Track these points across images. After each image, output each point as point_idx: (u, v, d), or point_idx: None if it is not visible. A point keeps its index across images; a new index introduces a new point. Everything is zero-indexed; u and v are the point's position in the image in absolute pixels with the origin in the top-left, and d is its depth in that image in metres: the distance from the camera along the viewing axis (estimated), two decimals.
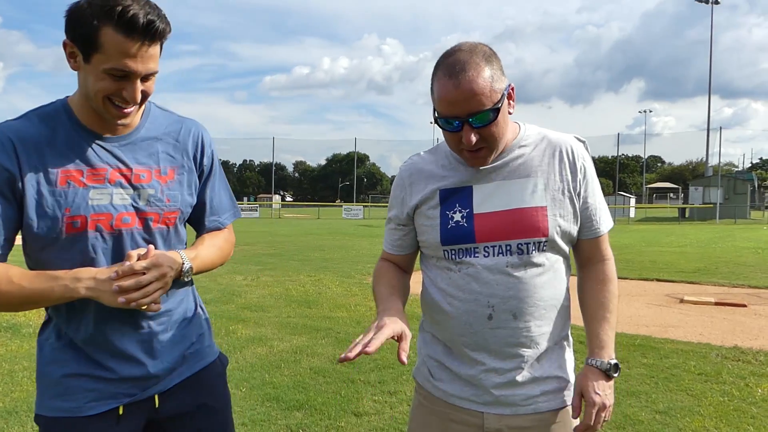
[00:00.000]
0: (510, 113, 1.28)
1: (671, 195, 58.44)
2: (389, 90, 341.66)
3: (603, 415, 1.32)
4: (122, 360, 1.28)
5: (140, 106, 1.25)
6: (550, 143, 1.34)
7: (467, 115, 1.20)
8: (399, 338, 1.18)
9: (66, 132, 1.23)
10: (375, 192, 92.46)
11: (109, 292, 1.16)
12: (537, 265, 1.29)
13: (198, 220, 1.45)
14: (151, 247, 1.23)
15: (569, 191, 1.31)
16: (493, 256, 1.29)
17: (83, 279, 1.17)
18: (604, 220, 1.38)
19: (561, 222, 1.30)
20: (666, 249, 14.15)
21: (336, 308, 6.60)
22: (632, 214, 39.70)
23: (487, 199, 1.31)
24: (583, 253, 1.41)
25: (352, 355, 1.08)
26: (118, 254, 1.24)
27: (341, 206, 42.93)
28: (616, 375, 1.33)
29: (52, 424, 1.28)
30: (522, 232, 1.28)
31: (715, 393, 3.84)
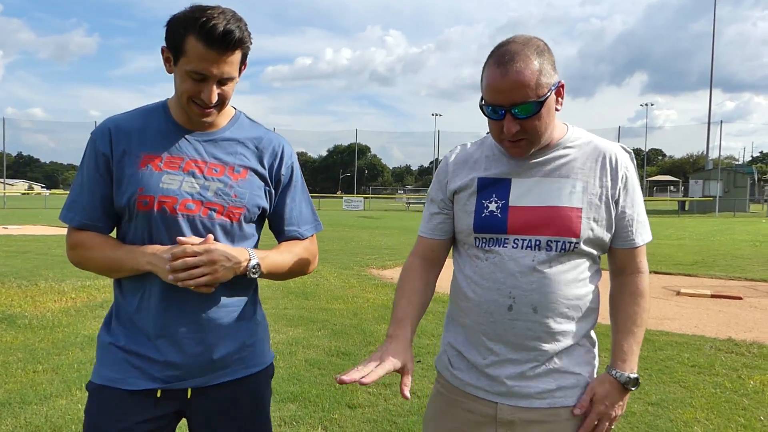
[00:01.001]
0: (557, 110, 1.29)
1: (671, 188, 58.28)
2: (392, 81, 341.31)
3: (606, 424, 1.32)
4: (170, 342, 1.36)
5: (220, 109, 1.37)
6: (596, 148, 1.35)
7: (511, 105, 1.22)
8: (402, 372, 1.23)
9: (158, 125, 1.40)
10: (376, 184, 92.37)
11: (163, 268, 1.29)
12: (563, 264, 1.30)
13: (278, 229, 1.53)
14: (210, 236, 1.32)
15: (606, 198, 1.31)
16: (522, 248, 1.30)
17: (147, 254, 1.32)
18: (641, 233, 1.37)
19: (594, 226, 1.30)
20: (665, 242, 14.16)
21: (333, 300, 6.62)
22: None
23: (525, 194, 1.32)
24: (618, 262, 1.40)
25: (347, 378, 1.13)
26: (178, 235, 1.33)
27: (342, 198, 42.88)
28: (633, 389, 1.33)
29: (98, 391, 1.39)
30: (554, 229, 1.29)
31: (708, 385, 3.86)
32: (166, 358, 1.36)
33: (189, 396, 1.40)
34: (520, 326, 1.30)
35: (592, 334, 1.40)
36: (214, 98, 1.31)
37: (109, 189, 1.36)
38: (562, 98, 1.29)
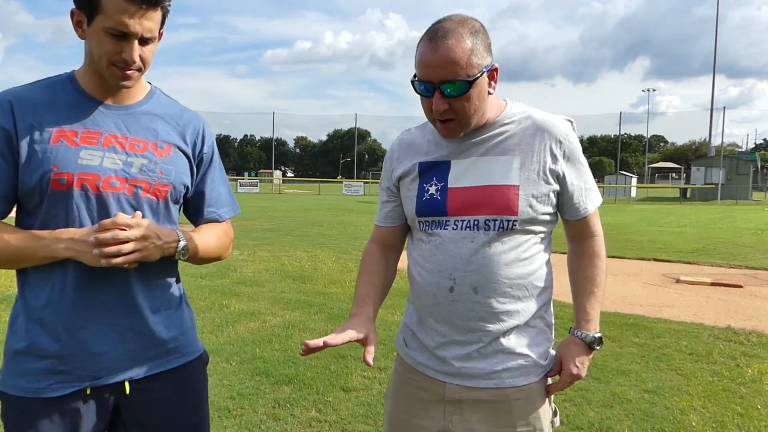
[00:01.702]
0: (490, 93, 1.28)
1: (673, 175, 58.17)
2: (391, 65, 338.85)
3: (571, 384, 1.37)
4: (96, 333, 1.25)
5: (141, 74, 1.28)
6: (534, 123, 1.32)
7: (440, 82, 1.21)
8: (364, 343, 1.27)
9: (67, 97, 1.27)
10: (376, 168, 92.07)
11: (88, 251, 1.17)
12: (504, 243, 1.29)
13: (196, 211, 1.45)
14: (139, 213, 1.24)
15: (545, 173, 1.30)
16: (461, 229, 1.30)
17: (63, 239, 1.19)
18: (591, 199, 1.37)
19: (533, 202, 1.29)
20: (665, 229, 14.12)
21: (331, 284, 6.60)
22: (633, 193, 39.62)
23: (463, 175, 1.32)
24: (572, 230, 1.42)
25: (311, 344, 1.18)
26: (102, 217, 1.22)
27: (342, 182, 42.81)
28: (598, 348, 1.37)
29: (14, 403, 1.25)
30: (491, 208, 1.28)
31: (705, 373, 3.84)
32: (93, 350, 1.25)
33: (128, 392, 1.31)
34: (461, 307, 1.30)
35: (547, 314, 1.39)
36: (136, 57, 1.21)
37: (10, 169, 1.21)
38: (495, 82, 1.28)
